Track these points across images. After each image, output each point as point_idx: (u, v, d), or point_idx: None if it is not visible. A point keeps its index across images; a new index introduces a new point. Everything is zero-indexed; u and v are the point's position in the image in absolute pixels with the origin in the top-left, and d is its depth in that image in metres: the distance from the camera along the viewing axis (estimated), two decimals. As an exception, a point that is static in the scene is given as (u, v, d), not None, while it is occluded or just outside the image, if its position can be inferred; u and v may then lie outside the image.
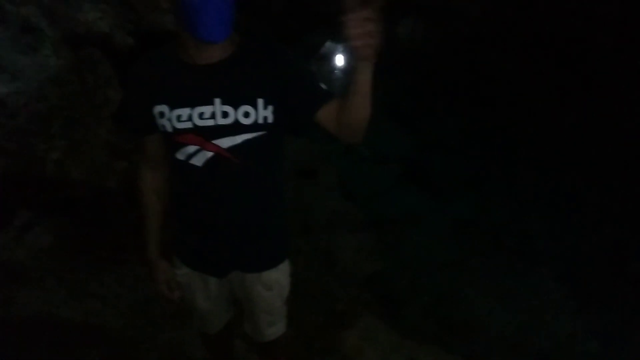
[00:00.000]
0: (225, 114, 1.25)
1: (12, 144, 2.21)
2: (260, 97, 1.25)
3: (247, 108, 1.25)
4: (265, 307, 1.55)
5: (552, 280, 3.21)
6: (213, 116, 1.25)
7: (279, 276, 1.51)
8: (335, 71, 6.75)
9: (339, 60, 7.02)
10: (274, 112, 1.28)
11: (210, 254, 1.45)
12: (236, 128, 1.26)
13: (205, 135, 1.26)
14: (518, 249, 3.51)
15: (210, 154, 1.28)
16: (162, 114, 1.27)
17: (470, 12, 6.86)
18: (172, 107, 1.26)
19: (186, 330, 2.26)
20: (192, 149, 1.28)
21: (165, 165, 1.43)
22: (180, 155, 1.30)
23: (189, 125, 1.26)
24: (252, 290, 1.50)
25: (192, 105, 1.25)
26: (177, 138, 1.28)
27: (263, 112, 1.26)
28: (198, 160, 1.29)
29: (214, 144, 1.26)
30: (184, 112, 1.25)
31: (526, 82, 5.69)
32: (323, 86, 1.32)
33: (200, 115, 1.25)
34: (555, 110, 5.12)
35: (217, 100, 1.24)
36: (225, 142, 1.27)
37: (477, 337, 2.88)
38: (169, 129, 1.27)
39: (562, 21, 6.31)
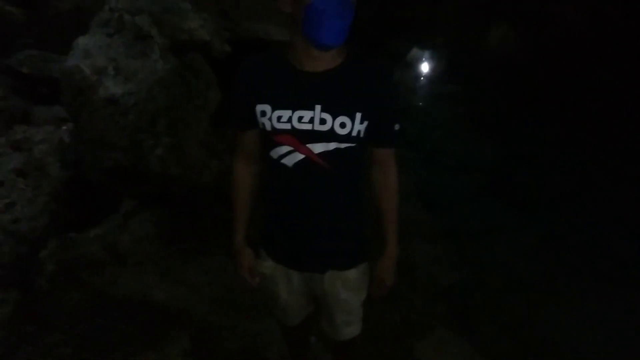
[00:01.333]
0: (323, 121, 1.31)
1: (124, 140, 2.45)
2: (359, 112, 1.31)
3: (345, 119, 1.31)
4: (344, 306, 1.60)
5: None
6: (311, 121, 1.31)
7: (359, 276, 1.56)
8: (421, 78, 6.66)
9: (424, 67, 6.92)
10: (367, 128, 1.34)
11: (294, 250, 1.52)
12: (331, 136, 1.32)
13: (301, 138, 1.33)
14: (609, 271, 3.26)
15: (301, 156, 1.34)
16: (263, 113, 1.35)
17: (566, 18, 6.46)
18: (274, 108, 1.33)
19: (264, 322, 2.37)
20: (285, 149, 1.35)
21: (259, 162, 1.53)
22: (274, 154, 1.38)
23: (287, 126, 1.32)
24: (331, 288, 1.55)
25: (294, 108, 1.32)
26: (274, 137, 1.36)
27: (358, 126, 1.32)
28: (289, 161, 1.36)
29: (307, 147, 1.33)
30: (285, 113, 1.32)
31: (623, 92, 5.25)
32: (397, 127, 1.42)
33: (300, 119, 1.31)
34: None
35: (318, 107, 1.30)
36: (318, 148, 1.33)
37: (558, 360, 2.72)
38: (268, 127, 1.35)
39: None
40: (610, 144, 4.62)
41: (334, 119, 1.30)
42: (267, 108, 1.34)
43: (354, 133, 1.32)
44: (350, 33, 1.26)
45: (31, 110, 3.00)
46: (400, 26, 7.04)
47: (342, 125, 1.31)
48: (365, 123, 1.33)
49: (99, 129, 2.49)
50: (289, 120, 1.32)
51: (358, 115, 1.31)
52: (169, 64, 2.64)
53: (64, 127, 2.87)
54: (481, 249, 3.49)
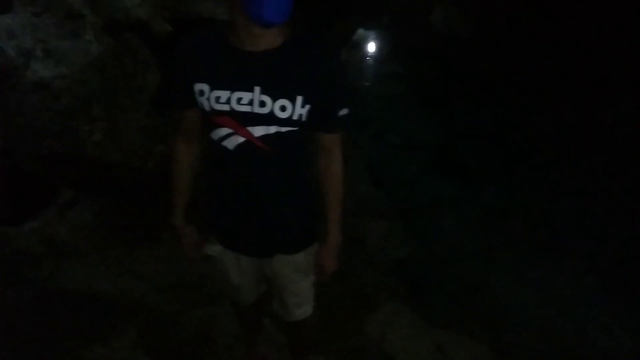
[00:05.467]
0: (262, 104, 1.26)
1: (56, 126, 2.32)
2: (300, 95, 1.26)
3: (285, 102, 1.26)
4: (294, 289, 1.61)
5: (583, 273, 3.15)
6: (250, 103, 1.26)
7: (307, 259, 1.55)
8: (367, 58, 6.70)
9: (371, 47, 6.96)
10: (309, 112, 1.29)
11: (240, 235, 1.50)
12: (271, 119, 1.27)
13: (240, 120, 1.28)
14: (549, 240, 3.45)
15: (242, 139, 1.30)
16: (202, 92, 1.29)
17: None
18: (213, 88, 1.28)
19: (218, 307, 2.34)
20: (225, 131, 1.31)
21: (199, 141, 1.49)
22: (214, 136, 1.33)
23: (226, 108, 1.27)
24: (281, 271, 1.55)
25: (232, 89, 1.26)
26: (214, 119, 1.31)
27: (300, 110, 1.27)
28: (230, 144, 1.32)
29: (247, 130, 1.29)
30: (224, 94, 1.27)
31: (564, 69, 5.52)
32: (343, 112, 1.37)
33: (239, 101, 1.26)
34: (593, 99, 4.95)
35: (257, 89, 1.25)
36: (258, 131, 1.29)
37: (505, 327, 2.86)
38: (207, 108, 1.30)
39: (607, 5, 6.06)
40: (549, 119, 4.85)
41: (273, 101, 1.26)
42: (205, 87, 1.28)
43: (295, 117, 1.28)
44: (297, 12, 1.22)
45: (-49, 96, 2.77)
46: (347, 6, 7.02)
47: (283, 108, 1.26)
48: (307, 107, 1.28)
49: (29, 115, 2.34)
50: (228, 101, 1.27)
51: (299, 99, 1.26)
52: (103, 44, 2.50)
53: (-9, 115, 2.68)
54: (429, 223, 3.60)
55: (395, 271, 3.10)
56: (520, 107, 5.01)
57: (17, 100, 2.34)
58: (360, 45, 6.89)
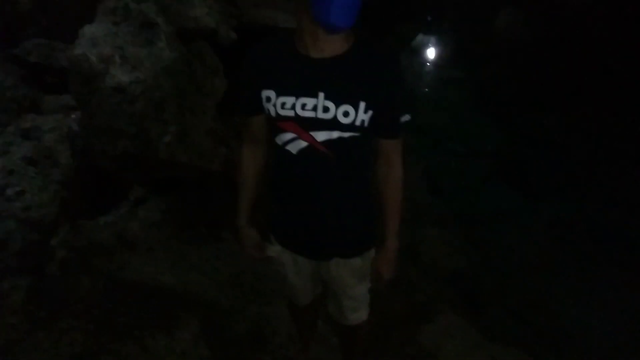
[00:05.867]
0: (326, 109, 1.29)
1: (132, 128, 2.46)
2: (363, 101, 1.29)
3: (348, 108, 1.29)
4: (350, 293, 1.62)
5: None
6: (314, 109, 1.30)
7: (364, 264, 1.56)
8: (427, 64, 6.61)
9: (431, 52, 6.86)
10: (371, 118, 1.31)
11: (300, 237, 1.54)
12: (334, 124, 1.30)
13: (304, 125, 1.32)
14: (620, 256, 3.24)
15: (305, 143, 1.34)
16: (268, 99, 1.34)
17: (574, 2, 6.35)
18: (278, 94, 1.33)
19: (273, 306, 2.40)
20: (289, 136, 1.35)
21: (265, 146, 1.54)
22: (278, 140, 1.38)
23: (290, 113, 1.32)
24: (337, 275, 1.57)
25: (297, 95, 1.31)
26: (278, 124, 1.36)
27: (362, 115, 1.30)
28: (293, 148, 1.36)
29: (310, 135, 1.32)
30: (289, 100, 1.31)
31: (631, 77, 5.17)
32: (404, 118, 1.39)
33: (303, 106, 1.30)
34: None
35: (321, 95, 1.29)
36: (321, 136, 1.32)
37: (569, 347, 2.72)
38: (273, 113, 1.35)
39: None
40: (620, 128, 4.56)
41: (337, 107, 1.29)
42: (271, 94, 1.34)
43: (358, 122, 1.30)
44: (358, 18, 1.24)
45: (40, 99, 3.02)
46: (407, 11, 6.97)
47: (346, 114, 1.29)
48: (370, 112, 1.30)
49: (107, 117, 2.50)
50: (293, 107, 1.31)
51: (362, 104, 1.29)
52: (175, 51, 2.64)
53: (73, 116, 2.89)
54: (489, 234, 3.49)
55: (452, 282, 3.03)
56: (588, 115, 4.75)
57: (96, 104, 2.51)
58: (420, 50, 6.81)
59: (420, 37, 6.95)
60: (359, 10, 1.22)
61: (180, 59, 2.64)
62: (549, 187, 3.93)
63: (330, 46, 1.28)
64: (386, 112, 1.33)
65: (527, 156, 4.31)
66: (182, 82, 2.60)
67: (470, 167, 4.19)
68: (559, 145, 4.42)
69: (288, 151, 1.37)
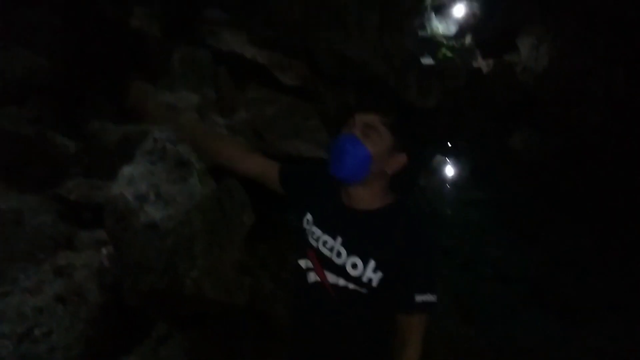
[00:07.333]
0: (339, 254, 1.34)
1: (160, 263, 2.49)
2: (373, 259, 1.31)
3: (357, 260, 1.32)
4: None
5: None
6: (331, 250, 1.35)
7: None
8: (446, 184, 6.74)
9: (449, 172, 7.03)
10: (381, 280, 1.32)
11: None
12: (342, 272, 1.34)
13: (321, 261, 1.37)
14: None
15: (317, 278, 1.38)
16: (307, 221, 1.43)
17: (591, 121, 6.59)
18: (314, 223, 1.41)
19: None
20: (310, 264, 1.42)
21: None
22: (302, 264, 1.43)
23: (314, 244, 1.39)
24: None
25: (324, 230, 1.38)
26: (306, 249, 1.42)
27: (370, 273, 1.31)
28: (310, 277, 1.41)
29: (323, 272, 1.37)
30: (317, 232, 1.39)
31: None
32: (423, 297, 1.32)
33: (324, 243, 1.37)
34: None
35: (339, 239, 1.35)
36: (331, 278, 1.36)
37: None
38: (305, 237, 1.42)
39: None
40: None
41: (348, 256, 1.33)
42: (310, 218, 1.42)
43: (365, 279, 1.31)
44: (366, 174, 1.30)
45: (75, 235, 3.12)
46: (424, 132, 7.28)
47: (354, 265, 1.32)
48: (380, 274, 1.30)
49: (137, 252, 2.54)
50: (317, 239, 1.38)
51: (371, 262, 1.31)
52: (206, 187, 2.76)
53: (104, 251, 2.95)
54: (532, 368, 3.22)
55: None
56: (622, 232, 4.64)
57: (128, 240, 2.57)
58: (439, 170, 6.99)
59: (438, 158, 7.17)
60: (360, 165, 1.28)
61: (211, 195, 2.74)
62: (590, 313, 3.70)
63: (355, 198, 1.36)
64: (401, 283, 1.32)
65: (563, 279, 4.14)
66: (213, 217, 2.68)
67: (503, 292, 4.02)
68: (596, 267, 4.25)
69: (306, 278, 1.41)
